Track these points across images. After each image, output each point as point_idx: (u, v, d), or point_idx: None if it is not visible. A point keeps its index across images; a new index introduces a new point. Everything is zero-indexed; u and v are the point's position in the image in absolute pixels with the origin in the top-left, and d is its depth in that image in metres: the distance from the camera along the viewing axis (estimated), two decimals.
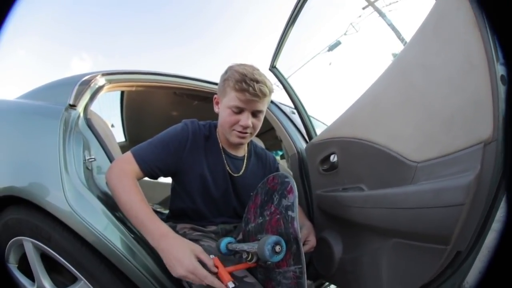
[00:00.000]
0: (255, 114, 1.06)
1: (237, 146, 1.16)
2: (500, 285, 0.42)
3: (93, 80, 1.24)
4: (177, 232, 1.12)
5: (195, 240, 1.05)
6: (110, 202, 0.92)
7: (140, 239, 0.91)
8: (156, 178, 1.06)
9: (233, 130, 1.06)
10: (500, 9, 0.51)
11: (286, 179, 0.88)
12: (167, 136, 1.04)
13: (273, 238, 0.74)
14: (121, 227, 0.88)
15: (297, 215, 0.78)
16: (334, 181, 1.17)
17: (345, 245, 1.13)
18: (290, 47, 1.47)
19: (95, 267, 0.85)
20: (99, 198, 0.91)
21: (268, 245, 0.73)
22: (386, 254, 0.89)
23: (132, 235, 0.90)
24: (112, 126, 2.44)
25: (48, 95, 1.17)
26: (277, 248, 0.73)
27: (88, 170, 0.98)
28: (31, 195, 0.84)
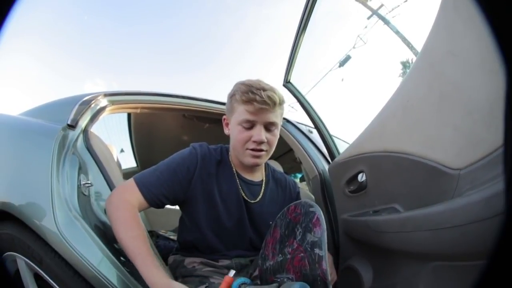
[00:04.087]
0: (268, 128, 0.96)
1: (253, 169, 1.05)
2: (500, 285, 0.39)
3: (94, 101, 1.19)
4: (185, 267, 1.01)
5: (205, 277, 0.95)
6: (109, 233, 0.85)
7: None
8: (162, 207, 0.96)
9: (246, 149, 0.96)
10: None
11: (311, 209, 0.76)
12: (174, 162, 0.96)
13: (296, 286, 0.64)
14: (116, 261, 0.79)
15: (326, 253, 0.68)
16: (363, 203, 1.04)
17: (376, 273, 1.00)
18: (300, 68, 1.39)
19: None
20: (95, 227, 0.85)
21: None
22: (424, 280, 0.79)
23: (129, 270, 0.81)
24: (122, 151, 2.38)
25: (48, 114, 1.13)
26: None
27: (84, 195, 0.90)
28: (22, 215, 0.79)
